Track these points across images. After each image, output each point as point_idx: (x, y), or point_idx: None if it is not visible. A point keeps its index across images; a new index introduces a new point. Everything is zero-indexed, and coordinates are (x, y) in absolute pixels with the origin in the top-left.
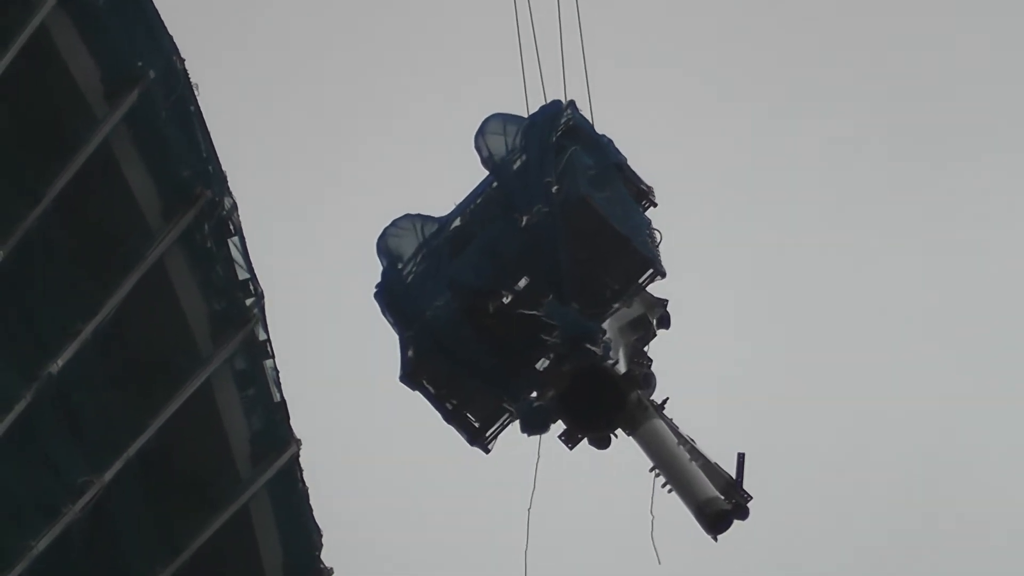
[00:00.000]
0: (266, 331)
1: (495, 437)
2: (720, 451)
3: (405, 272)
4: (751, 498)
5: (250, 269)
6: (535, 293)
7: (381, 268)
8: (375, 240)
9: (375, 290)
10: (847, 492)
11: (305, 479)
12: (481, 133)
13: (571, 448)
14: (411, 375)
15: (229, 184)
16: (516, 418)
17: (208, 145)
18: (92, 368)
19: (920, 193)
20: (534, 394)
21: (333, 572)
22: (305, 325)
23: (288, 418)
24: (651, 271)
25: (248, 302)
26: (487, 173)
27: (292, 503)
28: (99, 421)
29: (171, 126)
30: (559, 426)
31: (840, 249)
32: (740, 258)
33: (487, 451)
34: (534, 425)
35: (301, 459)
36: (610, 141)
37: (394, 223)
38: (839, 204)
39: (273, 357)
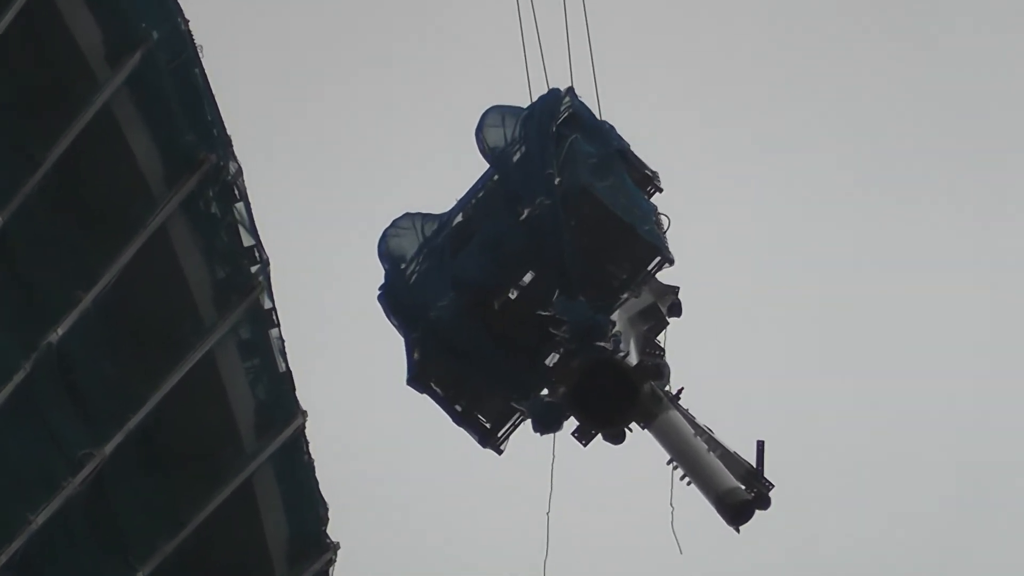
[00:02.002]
0: (271, 299)
1: (507, 437)
2: (739, 440)
3: (408, 272)
4: (772, 486)
5: (255, 235)
6: (541, 287)
7: (384, 270)
8: (380, 222)
9: (378, 292)
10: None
11: (311, 452)
12: (480, 127)
13: (585, 445)
14: (418, 377)
15: (234, 148)
16: (528, 417)
17: (213, 109)
18: (92, 338)
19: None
20: (545, 391)
21: (339, 547)
22: (312, 293)
23: (294, 389)
24: (658, 258)
25: (253, 269)
26: (488, 168)
27: (297, 476)
28: (100, 392)
29: (174, 89)
30: (573, 423)
31: (852, 224)
32: (753, 239)
33: (499, 452)
34: (547, 423)
35: (307, 431)
36: (611, 127)
37: (394, 223)
38: (851, 183)
39: (279, 326)
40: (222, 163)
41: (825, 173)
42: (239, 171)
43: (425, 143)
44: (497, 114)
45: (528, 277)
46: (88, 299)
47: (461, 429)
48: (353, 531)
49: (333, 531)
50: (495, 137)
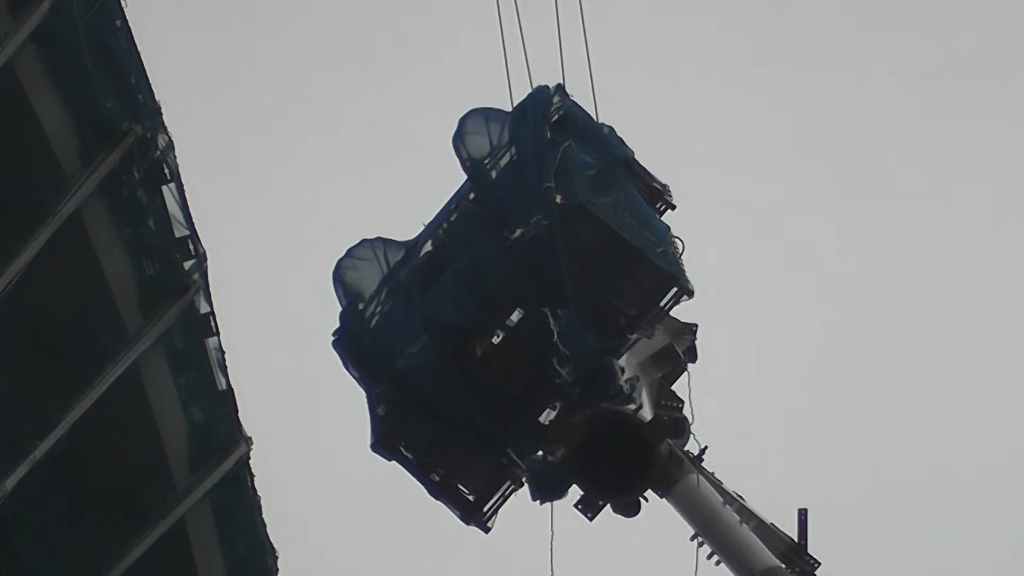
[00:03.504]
0: (209, 302)
1: (495, 511)
2: (776, 508)
3: (368, 313)
4: (819, 564)
5: (190, 224)
6: (532, 327)
7: (340, 310)
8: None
9: (333, 337)
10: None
11: (256, 487)
12: (459, 134)
13: (591, 518)
14: (384, 441)
15: (164, 118)
16: (523, 483)
17: (138, 70)
18: None
19: None
20: (540, 452)
21: None
22: (259, 294)
23: (236, 411)
24: (675, 290)
25: (187, 265)
26: (462, 183)
27: (240, 517)
28: None
29: (91, 46)
30: (576, 491)
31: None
32: (775, 260)
33: (486, 530)
34: (548, 489)
35: (252, 462)
36: (612, 130)
37: (349, 253)
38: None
39: (218, 335)
40: (149, 136)
41: (853, 181)
42: (170, 146)
43: (390, 147)
44: (479, 118)
45: (516, 315)
46: None
47: (439, 503)
48: None
49: None
50: (478, 146)
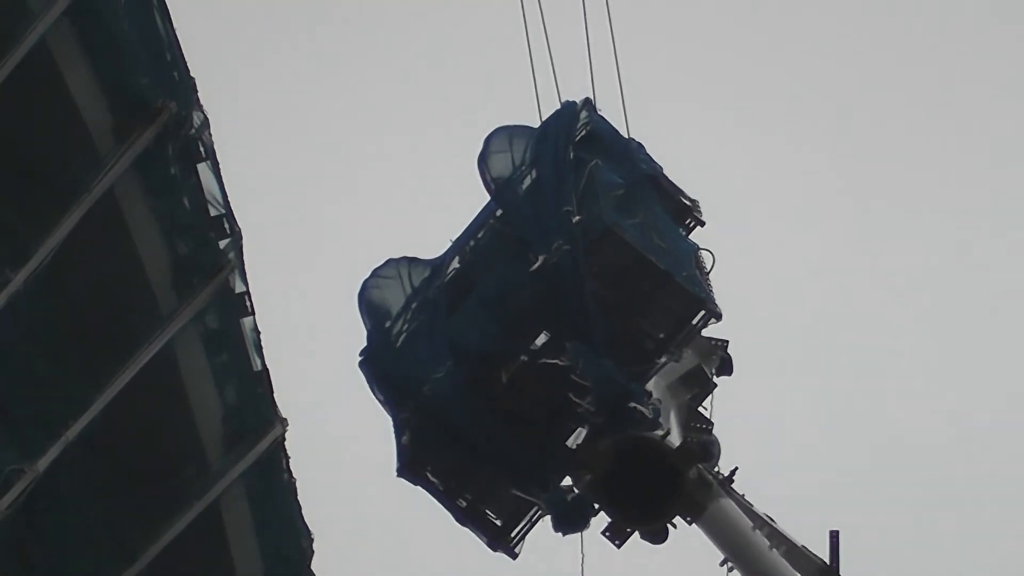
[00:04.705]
0: (245, 282)
1: (523, 537)
2: (807, 531)
3: (394, 333)
4: None
5: (226, 203)
6: (557, 351)
7: (366, 330)
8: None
9: (359, 358)
10: None
11: (292, 469)
12: (484, 154)
13: (619, 546)
14: (410, 466)
15: (199, 96)
16: (547, 512)
17: (174, 46)
18: (22, 328)
19: None
20: (568, 480)
21: None
22: (295, 274)
23: (272, 391)
24: (703, 312)
25: (222, 244)
26: (488, 200)
27: (275, 499)
28: (32, 395)
29: (126, 20)
30: (602, 518)
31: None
32: (811, 266)
33: (514, 556)
34: (570, 521)
35: (287, 444)
36: (640, 146)
37: (374, 273)
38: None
39: (253, 315)
40: (184, 113)
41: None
42: (205, 123)
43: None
44: (504, 137)
45: (542, 339)
46: (18, 280)
47: (465, 529)
48: (343, 567)
49: (319, 567)
50: (502, 165)
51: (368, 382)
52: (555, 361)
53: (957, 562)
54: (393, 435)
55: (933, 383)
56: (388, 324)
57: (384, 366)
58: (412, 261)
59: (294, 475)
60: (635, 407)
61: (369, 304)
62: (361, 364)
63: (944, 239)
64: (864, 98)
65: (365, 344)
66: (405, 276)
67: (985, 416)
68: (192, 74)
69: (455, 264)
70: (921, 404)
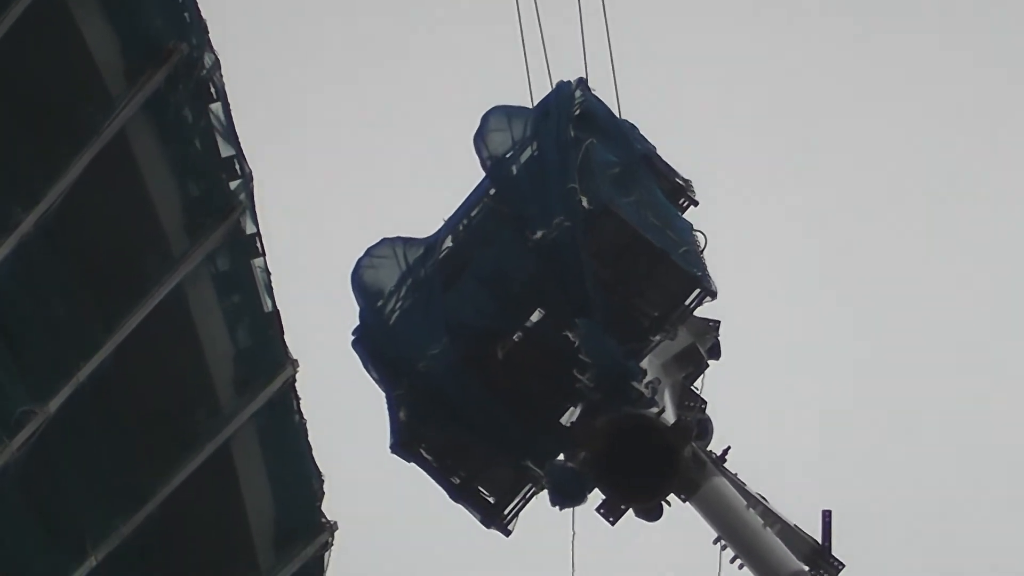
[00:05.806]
0: (255, 223)
1: (516, 514)
2: (801, 510)
3: (388, 310)
4: (843, 566)
5: (236, 144)
6: (552, 327)
7: (359, 309)
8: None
9: (352, 337)
10: None
11: (303, 410)
12: (481, 131)
13: (613, 523)
14: (405, 443)
15: (210, 37)
16: (543, 487)
17: None
18: (33, 270)
19: None
20: (561, 456)
21: (337, 528)
22: (305, 214)
23: (283, 333)
24: (698, 291)
25: (233, 185)
26: (482, 179)
27: (286, 441)
28: (43, 337)
29: None
30: (597, 495)
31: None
32: (806, 245)
33: (507, 533)
34: (567, 494)
35: (298, 385)
36: (633, 127)
37: (368, 253)
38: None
39: (264, 256)
40: (196, 55)
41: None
42: (216, 64)
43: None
44: (502, 116)
45: (536, 315)
46: (29, 221)
47: (459, 505)
48: (354, 508)
49: (329, 508)
50: (500, 144)
51: (361, 360)
52: (564, 334)
53: (949, 542)
54: (387, 414)
55: (931, 362)
56: (381, 303)
57: (378, 344)
58: (407, 241)
59: (305, 417)
60: (634, 385)
61: (362, 284)
62: (354, 343)
63: (948, 220)
64: (864, 77)
65: (358, 322)
66: (400, 254)
67: (983, 399)
68: (203, 15)
69: (448, 243)
70: (918, 383)
